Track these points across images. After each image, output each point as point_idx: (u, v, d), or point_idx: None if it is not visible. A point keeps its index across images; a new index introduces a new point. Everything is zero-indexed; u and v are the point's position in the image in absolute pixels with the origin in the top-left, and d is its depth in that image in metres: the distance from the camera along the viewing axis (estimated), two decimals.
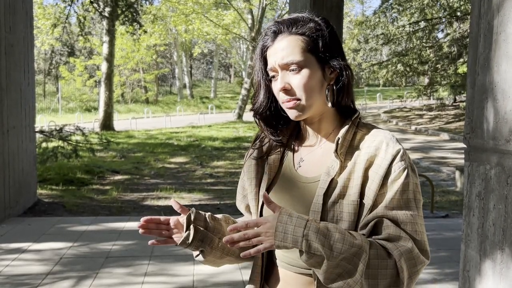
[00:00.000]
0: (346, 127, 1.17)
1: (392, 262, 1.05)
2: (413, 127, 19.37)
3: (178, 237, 1.22)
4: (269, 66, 1.19)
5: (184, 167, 10.91)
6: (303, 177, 1.22)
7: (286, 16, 1.23)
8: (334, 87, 1.18)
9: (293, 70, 1.15)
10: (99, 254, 4.60)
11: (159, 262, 4.40)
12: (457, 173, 8.69)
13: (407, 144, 15.14)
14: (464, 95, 19.55)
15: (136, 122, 20.87)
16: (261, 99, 1.24)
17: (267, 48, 1.20)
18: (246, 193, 1.32)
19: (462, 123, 18.40)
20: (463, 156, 2.25)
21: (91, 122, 19.33)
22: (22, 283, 3.87)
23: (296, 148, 1.28)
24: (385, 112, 25.15)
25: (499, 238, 1.89)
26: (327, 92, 1.18)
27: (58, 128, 8.82)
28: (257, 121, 1.28)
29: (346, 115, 1.22)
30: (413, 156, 12.51)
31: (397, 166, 1.11)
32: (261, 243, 1.06)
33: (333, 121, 1.23)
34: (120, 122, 21.51)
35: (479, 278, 2.02)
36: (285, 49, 1.16)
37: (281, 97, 1.18)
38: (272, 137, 1.27)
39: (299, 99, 1.16)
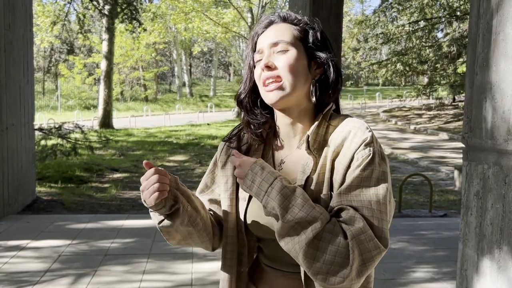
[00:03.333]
0: (317, 122, 1.14)
1: (346, 242, 1.00)
2: (412, 127, 19.39)
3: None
4: (256, 49, 1.19)
5: (183, 166, 10.91)
6: None
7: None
8: (317, 84, 1.16)
9: (280, 51, 1.15)
10: (97, 252, 4.60)
11: (157, 260, 4.41)
12: (456, 173, 8.70)
13: (406, 143, 15.17)
14: (463, 94, 19.59)
15: (135, 120, 20.87)
16: (245, 85, 1.23)
17: (259, 35, 1.20)
18: (213, 188, 1.32)
19: (461, 122, 18.41)
20: (462, 155, 2.25)
21: (90, 120, 19.32)
22: (20, 281, 3.87)
23: (276, 150, 1.25)
24: (384, 111, 25.17)
25: (497, 237, 1.90)
26: (312, 87, 1.16)
27: (57, 126, 8.82)
28: (240, 109, 1.26)
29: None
30: (412, 155, 12.52)
31: (360, 154, 1.07)
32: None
33: (311, 120, 1.19)
34: (119, 120, 21.48)
35: (477, 277, 2.03)
36: (277, 32, 1.17)
37: (262, 77, 1.15)
38: (252, 129, 1.23)
39: (281, 79, 1.13)
